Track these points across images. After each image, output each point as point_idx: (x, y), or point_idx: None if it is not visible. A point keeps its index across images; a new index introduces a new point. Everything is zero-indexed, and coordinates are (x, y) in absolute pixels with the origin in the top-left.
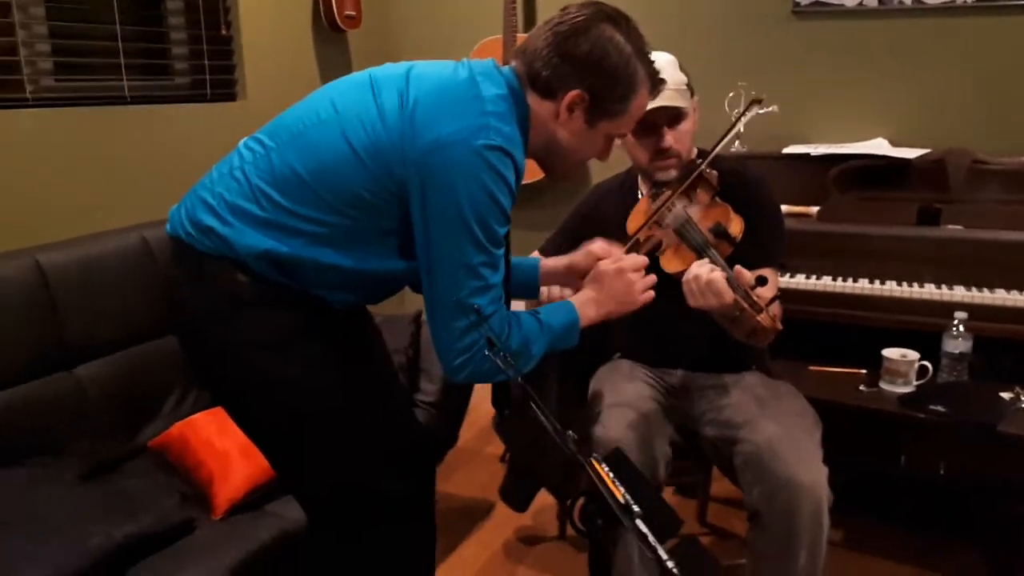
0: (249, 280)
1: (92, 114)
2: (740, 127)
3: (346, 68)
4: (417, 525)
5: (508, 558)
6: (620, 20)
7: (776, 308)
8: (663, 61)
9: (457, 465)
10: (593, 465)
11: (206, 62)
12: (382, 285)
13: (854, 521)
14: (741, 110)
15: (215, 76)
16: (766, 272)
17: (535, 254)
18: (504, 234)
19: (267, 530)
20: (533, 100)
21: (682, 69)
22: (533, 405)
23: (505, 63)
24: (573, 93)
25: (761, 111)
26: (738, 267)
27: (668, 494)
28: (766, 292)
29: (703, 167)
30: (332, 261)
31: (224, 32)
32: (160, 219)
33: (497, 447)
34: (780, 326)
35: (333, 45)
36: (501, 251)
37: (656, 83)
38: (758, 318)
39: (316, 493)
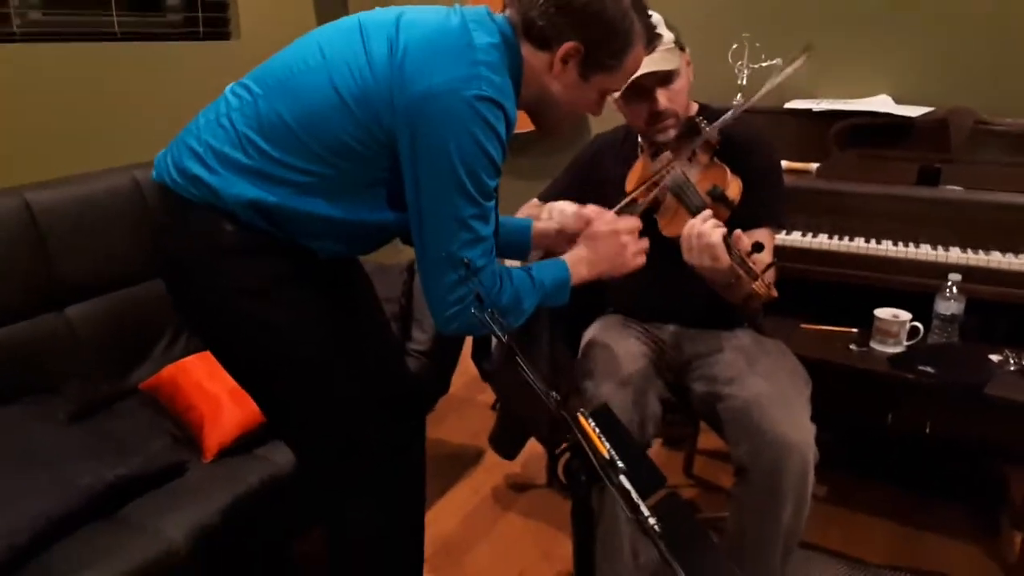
0: (235, 229)
1: (80, 50)
2: (768, 87)
3: (342, 8)
4: (406, 470)
5: (497, 504)
6: None
7: (771, 274)
8: None
9: (448, 412)
10: (579, 420)
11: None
12: (371, 236)
13: (839, 476)
14: (783, 70)
15: (208, 14)
16: (763, 233)
17: (534, 200)
18: (494, 187)
19: (256, 473)
20: (526, 50)
21: (669, 26)
22: (518, 360)
23: (504, 5)
24: (568, 45)
25: (765, 64)
26: (737, 231)
27: (656, 446)
28: (763, 258)
29: (706, 139)
30: (320, 211)
31: None
32: (151, 160)
33: (488, 395)
34: (775, 293)
35: None
36: (492, 203)
37: (652, 38)
38: (753, 285)
39: (304, 437)
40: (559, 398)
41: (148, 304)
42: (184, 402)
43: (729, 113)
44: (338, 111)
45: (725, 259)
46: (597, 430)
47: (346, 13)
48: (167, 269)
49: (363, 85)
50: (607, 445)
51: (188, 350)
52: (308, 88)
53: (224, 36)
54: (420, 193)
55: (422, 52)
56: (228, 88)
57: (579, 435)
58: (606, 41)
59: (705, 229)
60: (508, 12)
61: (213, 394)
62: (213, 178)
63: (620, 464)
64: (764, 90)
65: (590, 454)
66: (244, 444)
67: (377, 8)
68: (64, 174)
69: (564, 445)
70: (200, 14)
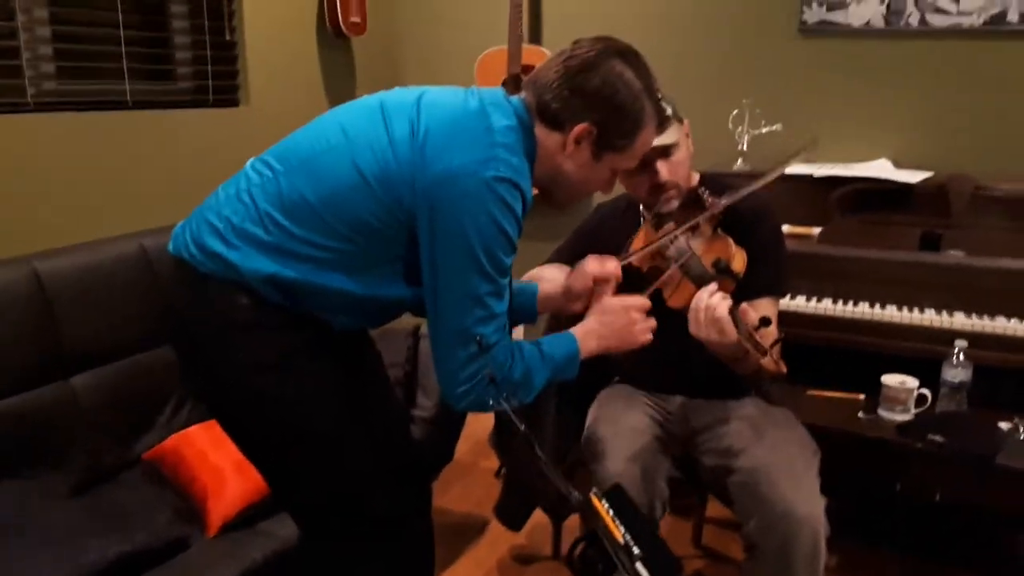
0: (251, 303)
1: (94, 119)
2: (767, 180)
3: (350, 75)
4: (412, 543)
5: None
6: (630, 56)
7: (779, 348)
8: None
9: (453, 479)
10: (592, 502)
11: (209, 67)
12: (386, 310)
13: (849, 546)
14: (769, 179)
15: (218, 81)
16: (767, 303)
17: (538, 267)
18: (510, 264)
19: (259, 549)
20: (541, 131)
21: (665, 99)
22: (534, 449)
23: (509, 73)
24: (581, 126)
25: (765, 130)
26: (744, 306)
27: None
28: (770, 332)
29: (712, 212)
30: (337, 286)
31: (228, 37)
32: (160, 226)
33: (493, 461)
34: (784, 368)
35: (338, 51)
36: (507, 280)
37: (663, 120)
38: (762, 361)
39: (313, 510)
40: (579, 497)
41: (153, 372)
42: (188, 473)
43: (735, 195)
44: (360, 191)
45: (733, 333)
46: (611, 512)
47: (353, 79)
48: (181, 343)
49: (385, 166)
50: (621, 529)
51: (192, 419)
52: (331, 168)
53: (234, 103)
54: (437, 270)
55: (443, 134)
56: (248, 164)
57: (596, 522)
58: (618, 123)
59: (712, 303)
60: (524, 95)
61: (217, 466)
62: (232, 253)
63: (636, 550)
64: (768, 179)
65: (606, 543)
66: (248, 518)
67: (397, 88)
68: (74, 242)
69: (579, 537)
70: (211, 81)
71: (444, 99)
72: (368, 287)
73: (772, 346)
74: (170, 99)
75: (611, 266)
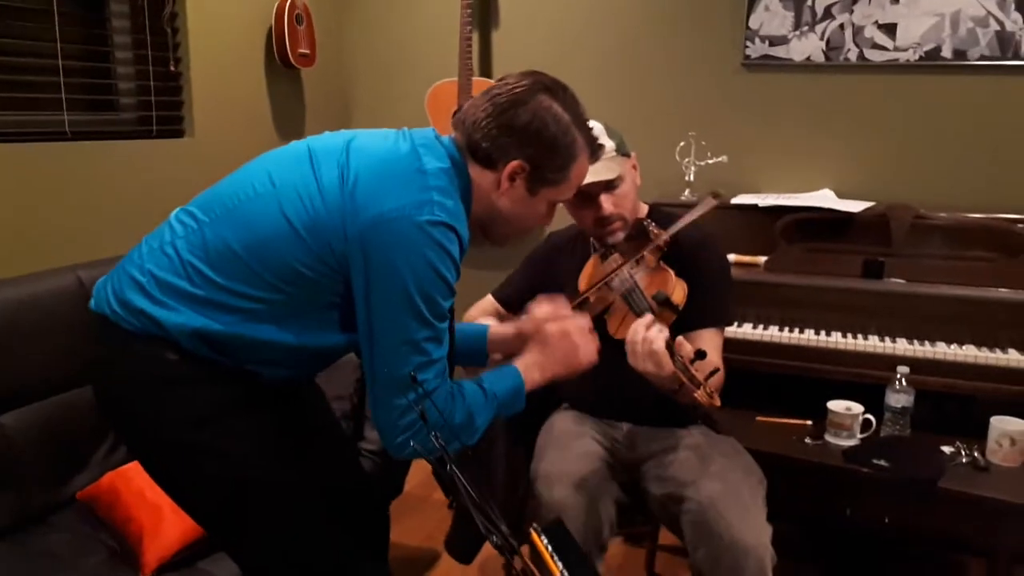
0: (179, 358)
1: (31, 150)
2: (695, 215)
3: (299, 107)
4: None
5: None
6: (557, 90)
7: (718, 379)
8: None
9: (404, 512)
10: (532, 537)
11: (153, 97)
12: (322, 358)
13: (798, 570)
14: (701, 211)
15: (162, 112)
16: (708, 334)
17: (489, 297)
18: (448, 307)
19: None
20: (474, 170)
21: (611, 133)
22: (458, 487)
23: (460, 105)
24: (514, 163)
25: (711, 161)
26: (680, 339)
27: (616, 543)
28: (706, 365)
29: (656, 244)
30: (269, 337)
31: (173, 68)
32: (100, 259)
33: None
34: (718, 402)
35: (286, 83)
36: (446, 324)
37: (595, 149)
38: (695, 394)
39: (257, 564)
40: (507, 532)
41: (89, 408)
42: (123, 513)
43: (674, 228)
44: (289, 239)
45: (668, 366)
46: (549, 548)
47: (303, 111)
48: (107, 404)
49: (314, 213)
50: (559, 565)
51: (131, 456)
52: (257, 216)
53: (178, 134)
54: (372, 317)
55: (373, 178)
56: (172, 215)
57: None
58: (550, 157)
59: (649, 336)
60: (454, 135)
61: (155, 504)
62: (156, 309)
63: None
64: (692, 216)
65: None
66: (186, 558)
67: (326, 132)
68: (10, 275)
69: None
70: (154, 112)
71: (374, 143)
72: (301, 337)
73: (707, 378)
74: (112, 130)
75: (563, 311)
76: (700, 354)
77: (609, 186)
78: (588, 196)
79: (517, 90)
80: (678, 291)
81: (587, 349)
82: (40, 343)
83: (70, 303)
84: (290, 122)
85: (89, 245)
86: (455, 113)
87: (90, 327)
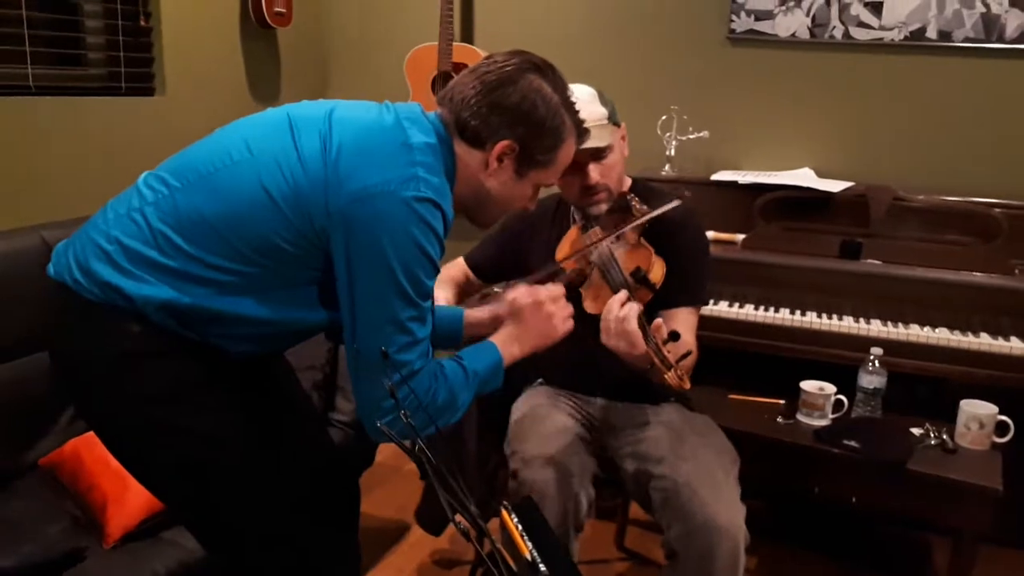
0: (141, 330)
1: None
2: (662, 209)
3: (275, 68)
4: (335, 567)
5: None
6: (546, 70)
7: (690, 361)
8: (583, 96)
9: (375, 483)
10: (503, 516)
11: (122, 53)
12: (298, 335)
13: (769, 549)
14: (663, 208)
15: (131, 68)
16: (684, 313)
17: (460, 260)
18: (431, 286)
19: (162, 560)
20: (460, 149)
21: (603, 100)
22: (432, 476)
23: (440, 70)
24: (503, 143)
25: (693, 136)
26: (657, 320)
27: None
28: (679, 348)
29: (638, 223)
30: (244, 312)
31: (143, 23)
32: (65, 219)
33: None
34: (687, 385)
35: (261, 42)
36: (429, 303)
37: (582, 132)
38: (666, 375)
39: (221, 543)
40: (476, 513)
41: (52, 373)
42: (87, 480)
43: (659, 210)
44: (266, 210)
45: (641, 345)
46: (519, 527)
47: (278, 72)
48: (66, 375)
49: (294, 185)
50: (529, 544)
51: None
52: (233, 185)
53: (148, 92)
54: (355, 295)
55: (357, 150)
56: (140, 179)
57: (488, 545)
58: (539, 138)
59: (622, 314)
60: (441, 111)
61: (118, 472)
62: (123, 279)
63: (542, 568)
64: (659, 211)
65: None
66: (150, 527)
67: (305, 101)
68: None
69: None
70: (123, 69)
71: (357, 113)
72: (278, 312)
73: (679, 361)
74: (78, 85)
75: (543, 295)
76: (674, 335)
77: (598, 154)
78: (576, 164)
79: (507, 69)
80: (656, 269)
81: (562, 315)
82: (3, 304)
83: (35, 264)
84: (265, 84)
85: (53, 206)
86: (434, 82)
87: (48, 294)
